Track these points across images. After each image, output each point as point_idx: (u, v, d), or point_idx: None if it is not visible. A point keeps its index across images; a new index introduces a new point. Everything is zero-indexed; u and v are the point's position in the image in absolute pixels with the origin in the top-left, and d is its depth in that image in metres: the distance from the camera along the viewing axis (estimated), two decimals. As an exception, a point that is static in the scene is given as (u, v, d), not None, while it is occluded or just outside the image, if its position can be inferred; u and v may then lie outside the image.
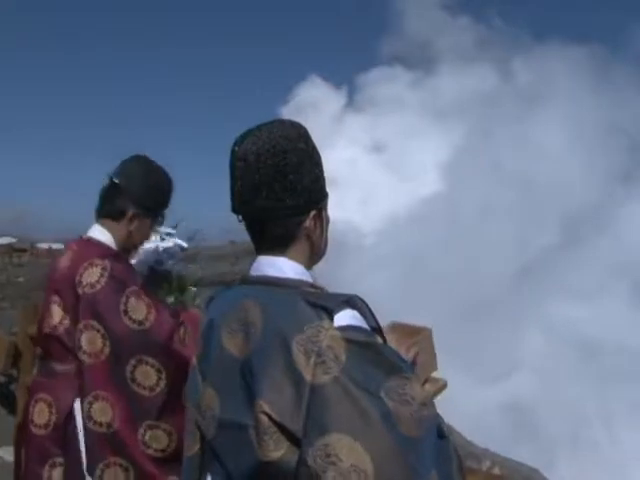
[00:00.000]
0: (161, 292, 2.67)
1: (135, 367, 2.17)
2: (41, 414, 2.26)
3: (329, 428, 1.17)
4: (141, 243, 2.50)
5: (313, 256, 1.45)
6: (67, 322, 2.30)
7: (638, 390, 24.57)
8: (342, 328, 1.25)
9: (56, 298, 2.31)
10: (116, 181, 2.36)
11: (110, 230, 2.37)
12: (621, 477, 20.35)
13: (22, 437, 2.38)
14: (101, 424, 2.19)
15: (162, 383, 2.17)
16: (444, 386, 2.34)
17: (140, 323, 2.18)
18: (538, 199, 30.59)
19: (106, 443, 2.19)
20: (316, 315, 1.25)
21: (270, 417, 1.20)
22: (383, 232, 31.72)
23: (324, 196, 1.44)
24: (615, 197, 32.21)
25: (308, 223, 1.40)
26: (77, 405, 2.25)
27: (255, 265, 1.41)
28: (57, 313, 2.30)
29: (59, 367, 2.31)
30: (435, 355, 2.49)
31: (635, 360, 25.83)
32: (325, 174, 1.42)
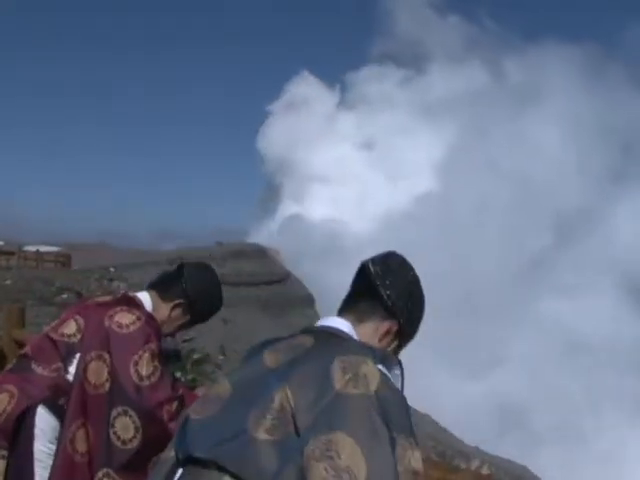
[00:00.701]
0: (172, 367, 2.78)
1: (118, 415, 2.24)
2: (0, 404, 2.28)
3: (338, 427, 1.21)
4: (169, 333, 2.56)
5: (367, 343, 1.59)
6: (76, 340, 2.34)
7: (623, 382, 24.79)
8: (382, 371, 1.34)
9: (79, 318, 2.38)
10: (183, 271, 2.52)
11: (155, 303, 2.48)
12: (608, 467, 20.54)
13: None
14: (77, 451, 2.23)
15: (136, 442, 2.23)
16: None
17: (141, 379, 2.25)
18: (531, 198, 30.72)
19: (76, 471, 2.24)
20: (364, 351, 1.36)
21: (289, 403, 1.26)
22: (377, 231, 31.80)
23: (410, 330, 1.60)
24: (607, 196, 32.39)
25: (386, 324, 1.54)
26: (40, 410, 2.26)
27: (325, 321, 1.55)
28: (73, 327, 2.37)
29: (38, 370, 2.32)
30: None
31: (621, 354, 26.05)
32: None
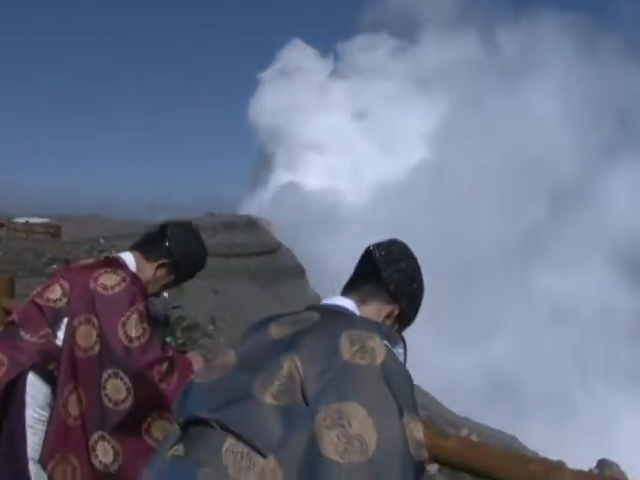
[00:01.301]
0: (161, 332, 2.74)
1: (109, 377, 2.22)
2: None
3: (350, 397, 1.23)
4: (154, 293, 2.55)
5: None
6: (63, 303, 2.33)
7: (614, 353, 25.15)
8: (388, 346, 1.36)
9: (64, 282, 2.37)
10: (167, 231, 2.48)
11: (139, 264, 2.45)
12: (597, 436, 20.93)
13: None
14: (73, 416, 2.23)
15: (128, 403, 2.21)
16: None
17: (130, 340, 2.23)
18: (526, 168, 30.68)
19: (68, 435, 2.25)
20: (371, 327, 1.39)
21: (298, 371, 1.28)
22: (371, 201, 31.77)
23: (411, 313, 1.64)
24: (601, 168, 32.39)
25: (388, 307, 1.57)
26: (30, 377, 2.26)
27: (327, 299, 1.58)
28: (58, 291, 2.36)
29: (27, 337, 2.32)
30: None
31: (612, 325, 26.37)
32: None
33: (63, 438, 2.25)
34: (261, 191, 55.82)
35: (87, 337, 2.24)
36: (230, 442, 1.25)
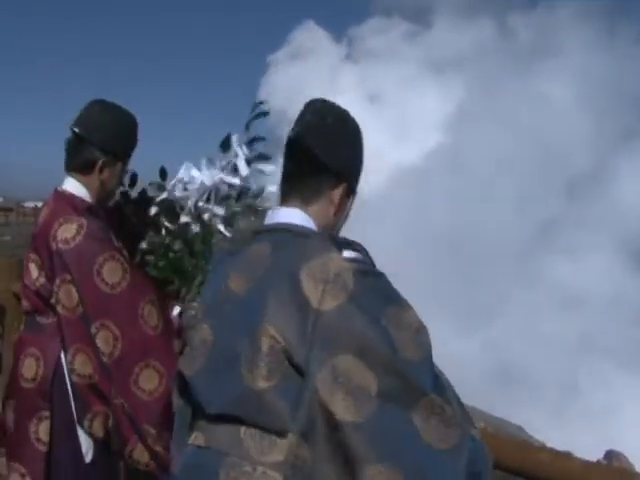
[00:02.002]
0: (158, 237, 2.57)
1: (97, 331, 2.18)
2: (29, 368, 2.27)
3: (336, 350, 1.21)
4: (115, 190, 2.45)
5: (330, 228, 1.49)
6: (43, 279, 2.28)
7: (622, 338, 25.11)
8: (349, 259, 1.30)
9: (33, 255, 2.32)
10: (78, 132, 2.30)
11: (82, 183, 2.33)
12: (603, 423, 20.92)
13: (10, 392, 2.38)
14: (84, 376, 2.22)
15: (117, 351, 2.19)
16: None
17: (112, 287, 2.18)
18: (541, 154, 30.44)
19: (91, 394, 2.23)
20: (325, 247, 1.30)
21: (276, 341, 1.24)
22: (385, 187, 31.66)
23: (357, 182, 1.52)
24: (616, 155, 32.06)
25: (337, 191, 1.45)
26: (63, 358, 2.25)
27: (269, 216, 1.47)
28: (34, 269, 2.30)
29: (44, 321, 2.30)
30: None
31: (616, 310, 26.28)
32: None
33: (89, 398, 2.24)
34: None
35: (69, 297, 2.20)
36: (245, 428, 1.26)
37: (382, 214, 28.12)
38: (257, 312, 1.28)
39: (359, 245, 1.38)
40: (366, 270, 1.30)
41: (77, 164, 2.34)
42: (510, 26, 37.17)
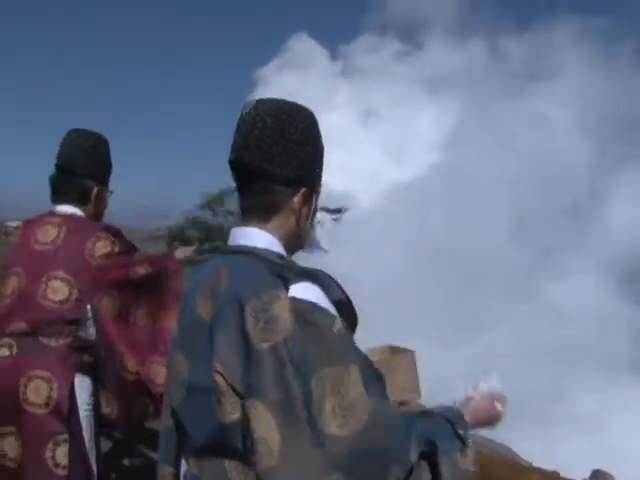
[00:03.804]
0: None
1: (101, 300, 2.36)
2: (38, 392, 2.19)
3: (256, 394, 1.18)
4: (103, 213, 2.53)
5: (296, 237, 1.43)
6: (75, 295, 2.26)
7: (608, 352, 25.43)
8: (296, 300, 1.24)
9: (60, 273, 2.27)
10: (67, 166, 2.36)
11: (82, 212, 2.41)
12: (595, 431, 21.02)
13: (5, 419, 2.24)
14: (128, 371, 2.34)
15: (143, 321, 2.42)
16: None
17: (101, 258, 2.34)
18: (537, 176, 30.61)
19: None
20: (274, 283, 1.25)
21: (223, 377, 1.23)
22: (379, 205, 31.74)
23: (318, 182, 1.44)
24: (611, 176, 32.31)
25: (297, 199, 1.38)
26: (77, 380, 2.25)
27: (232, 235, 1.42)
28: (62, 288, 2.26)
29: (54, 343, 2.25)
30: (417, 378, 2.49)
31: (604, 326, 26.51)
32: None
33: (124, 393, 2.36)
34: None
35: (59, 291, 2.28)
36: (229, 461, 1.26)
37: (377, 231, 28.13)
38: (212, 344, 1.27)
39: (317, 274, 1.31)
40: (309, 318, 1.22)
41: (72, 197, 2.38)
42: (502, 47, 37.42)
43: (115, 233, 2.37)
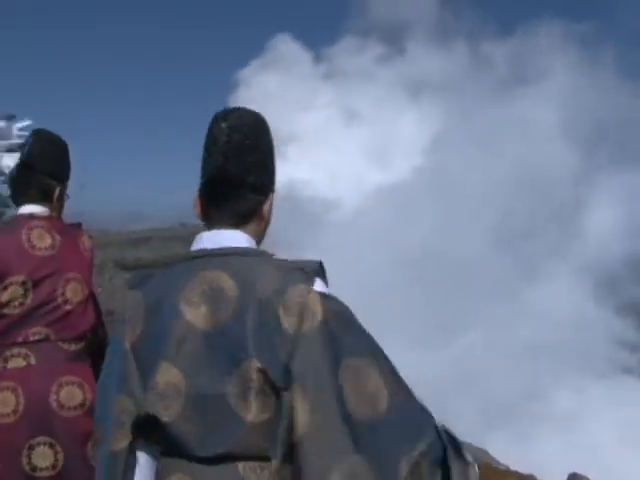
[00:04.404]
0: None
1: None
2: (73, 397, 2.22)
3: (296, 380, 1.24)
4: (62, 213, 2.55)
5: (261, 240, 1.51)
6: (87, 293, 2.34)
7: (578, 350, 25.86)
8: (321, 292, 1.31)
9: (73, 274, 2.31)
10: (31, 164, 2.38)
11: (45, 207, 2.40)
12: (572, 430, 21.29)
13: (37, 430, 2.21)
14: None
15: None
16: None
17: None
18: (519, 180, 30.90)
19: None
20: (301, 278, 1.31)
21: (265, 374, 1.25)
22: (368, 206, 31.87)
23: (274, 188, 1.51)
24: (592, 181, 32.70)
25: (266, 205, 1.46)
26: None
27: (208, 238, 1.42)
28: (80, 290, 2.32)
29: (74, 347, 2.28)
30: None
31: (582, 328, 26.96)
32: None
33: None
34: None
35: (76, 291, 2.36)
36: (244, 463, 1.26)
37: (361, 234, 28.18)
38: (240, 348, 1.27)
39: (323, 268, 1.38)
40: (338, 307, 1.31)
41: (35, 194, 2.38)
42: (485, 51, 37.70)
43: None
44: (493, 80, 35.72)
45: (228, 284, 1.31)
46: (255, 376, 1.25)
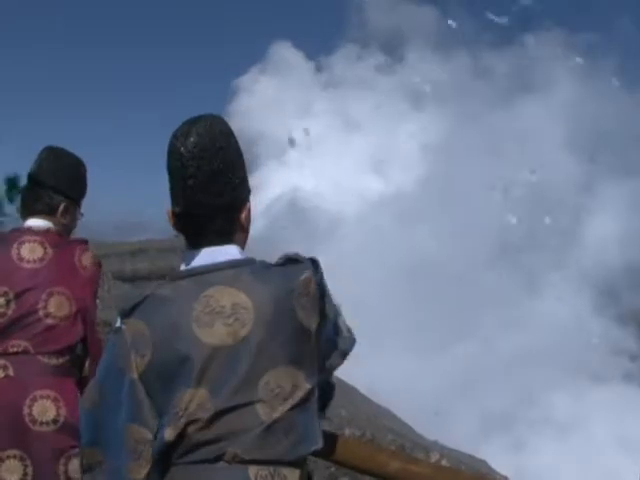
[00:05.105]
0: None
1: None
2: (45, 411, 2.19)
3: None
4: (74, 228, 2.56)
5: (244, 247, 1.53)
6: (74, 310, 2.30)
7: (572, 356, 25.90)
8: (315, 274, 1.42)
9: (63, 289, 2.29)
10: (39, 179, 2.38)
11: (51, 223, 2.41)
12: (571, 437, 21.26)
13: (8, 443, 2.20)
14: None
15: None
16: None
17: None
18: (524, 188, 30.90)
19: None
20: (294, 273, 1.38)
21: (296, 377, 1.31)
22: (364, 216, 31.86)
23: (250, 191, 1.52)
24: (594, 191, 32.72)
25: (244, 216, 1.46)
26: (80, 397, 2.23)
27: (200, 257, 1.41)
28: (66, 305, 2.30)
29: (54, 361, 2.24)
30: None
31: (578, 336, 26.97)
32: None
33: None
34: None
35: (61, 306, 2.31)
36: (254, 469, 1.27)
37: (358, 243, 28.17)
38: (267, 357, 1.31)
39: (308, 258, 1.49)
40: (322, 282, 1.45)
41: (40, 208, 2.40)
42: (485, 61, 37.79)
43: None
44: (493, 89, 35.78)
45: (239, 298, 1.32)
46: (285, 381, 1.31)
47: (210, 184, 1.38)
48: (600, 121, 32.49)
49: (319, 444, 1.35)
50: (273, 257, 1.46)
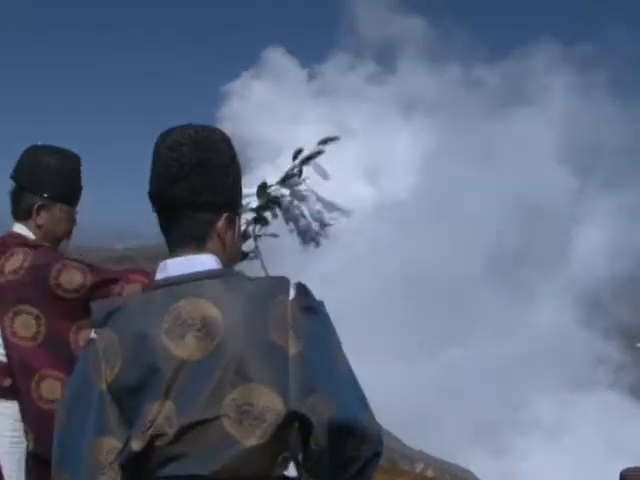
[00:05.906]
0: None
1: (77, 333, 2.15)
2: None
3: (317, 387, 1.26)
4: (63, 232, 2.36)
5: (226, 260, 1.44)
6: (43, 333, 2.17)
7: (559, 366, 26.04)
8: (297, 298, 1.32)
9: (25, 307, 2.15)
10: (14, 180, 2.26)
11: (27, 228, 2.26)
12: (557, 443, 21.32)
13: None
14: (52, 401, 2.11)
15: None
16: None
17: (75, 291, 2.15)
18: (509, 199, 31.07)
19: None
20: (275, 292, 1.32)
21: (267, 397, 1.25)
22: (358, 225, 31.89)
23: (239, 205, 1.48)
24: (584, 199, 32.92)
25: (220, 223, 1.39)
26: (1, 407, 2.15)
27: (176, 267, 1.37)
28: (32, 324, 2.15)
29: (7, 383, 2.14)
30: None
31: (564, 345, 27.16)
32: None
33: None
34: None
35: (26, 326, 2.12)
36: None
37: (351, 251, 28.31)
38: (236, 373, 1.26)
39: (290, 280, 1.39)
40: (312, 307, 1.34)
41: (19, 212, 2.28)
42: (477, 73, 38.25)
43: (39, 247, 2.24)
44: (486, 100, 36.13)
45: (210, 310, 1.29)
46: (258, 399, 1.25)
47: (183, 178, 1.34)
48: (594, 133, 32.79)
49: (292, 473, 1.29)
50: (267, 266, 1.42)
